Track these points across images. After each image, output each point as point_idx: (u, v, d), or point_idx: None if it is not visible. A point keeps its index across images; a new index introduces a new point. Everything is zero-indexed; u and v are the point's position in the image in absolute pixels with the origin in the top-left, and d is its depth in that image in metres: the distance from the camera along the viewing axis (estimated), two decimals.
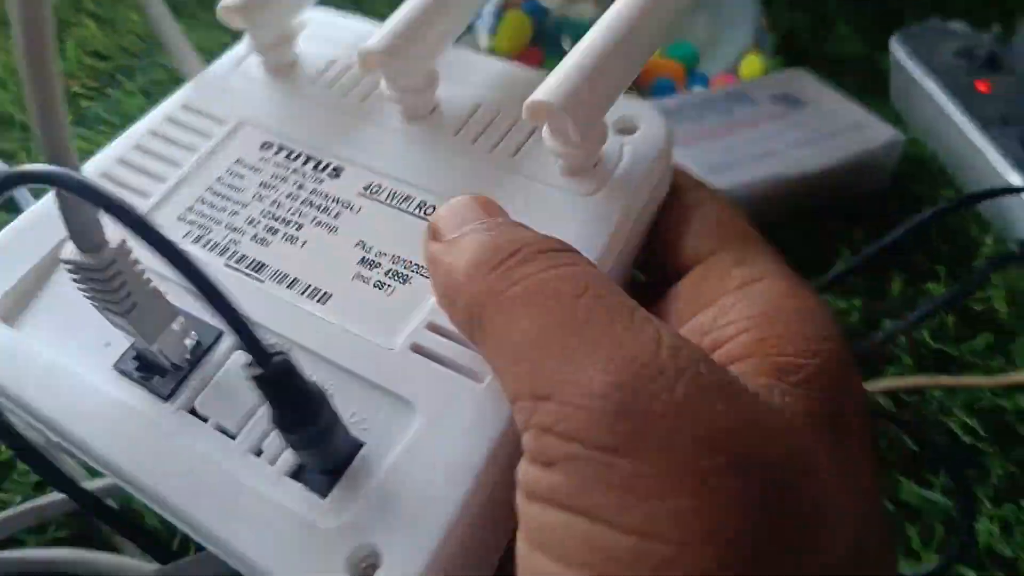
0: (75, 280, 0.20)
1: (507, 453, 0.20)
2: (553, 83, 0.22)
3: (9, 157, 0.44)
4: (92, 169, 0.27)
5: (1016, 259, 0.37)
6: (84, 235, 0.19)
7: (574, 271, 0.18)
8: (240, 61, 0.30)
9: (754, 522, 0.15)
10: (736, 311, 0.20)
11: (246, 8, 0.27)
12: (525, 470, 0.17)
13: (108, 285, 0.20)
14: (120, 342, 0.23)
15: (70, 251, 0.20)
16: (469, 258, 0.19)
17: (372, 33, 0.27)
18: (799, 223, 0.45)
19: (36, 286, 0.24)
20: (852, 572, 0.16)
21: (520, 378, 0.17)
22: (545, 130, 0.24)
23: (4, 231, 0.25)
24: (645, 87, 0.51)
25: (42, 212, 0.26)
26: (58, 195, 0.18)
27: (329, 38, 0.30)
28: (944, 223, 0.45)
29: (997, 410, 0.37)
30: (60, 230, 0.22)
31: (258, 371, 0.18)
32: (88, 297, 0.20)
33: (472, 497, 0.19)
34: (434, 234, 0.21)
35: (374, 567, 0.19)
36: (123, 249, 0.20)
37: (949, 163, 0.50)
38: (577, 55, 0.23)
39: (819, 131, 0.46)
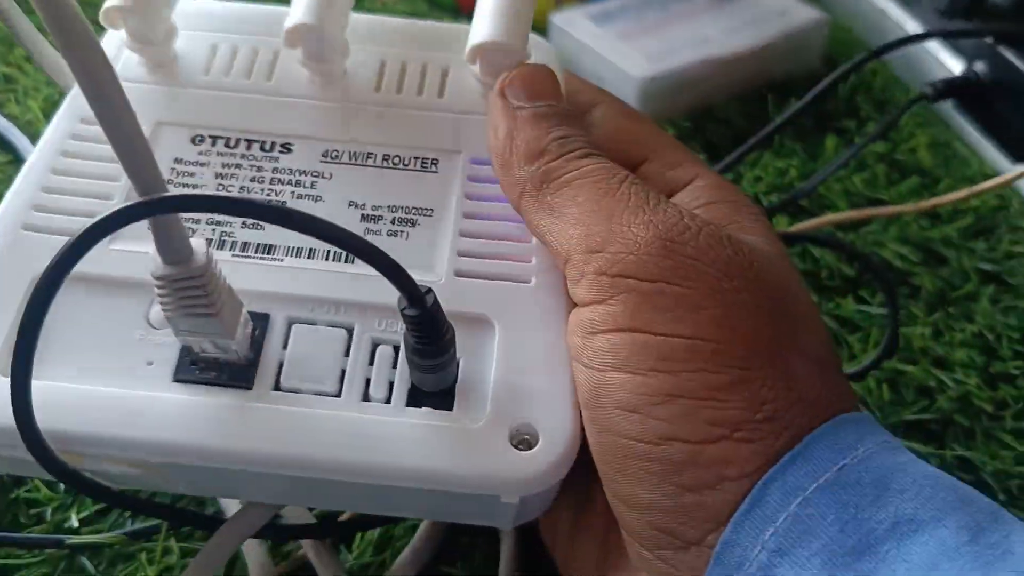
0: (163, 296, 0.20)
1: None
2: (488, 25, 0.26)
3: None
4: (13, 196, 0.25)
5: (924, 98, 0.41)
6: (178, 249, 0.20)
7: (613, 167, 0.24)
8: (114, 62, 0.28)
9: (762, 321, 0.21)
10: (687, 207, 0.25)
11: (131, 8, 0.26)
12: (583, 314, 0.22)
13: (204, 290, 0.20)
14: (163, 357, 0.23)
15: (162, 268, 0.20)
16: (531, 141, 0.24)
17: (233, 9, 0.29)
18: (739, 103, 0.48)
19: None
20: (827, 354, 0.22)
21: (576, 238, 0.22)
22: (477, 67, 0.27)
23: None
24: None
25: None
26: (155, 219, 0.19)
27: (198, 24, 0.30)
28: (870, 91, 0.49)
29: (925, 239, 0.41)
30: (24, 266, 0.23)
31: (416, 311, 0.20)
32: (172, 310, 0.20)
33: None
34: (503, 92, 0.25)
35: (534, 439, 0.22)
36: (210, 252, 0.20)
37: (874, 42, 0.53)
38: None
39: (750, 18, 0.50)
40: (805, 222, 0.40)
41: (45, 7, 0.16)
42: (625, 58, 0.46)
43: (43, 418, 0.20)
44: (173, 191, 0.22)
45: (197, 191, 0.25)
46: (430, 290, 0.20)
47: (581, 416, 0.22)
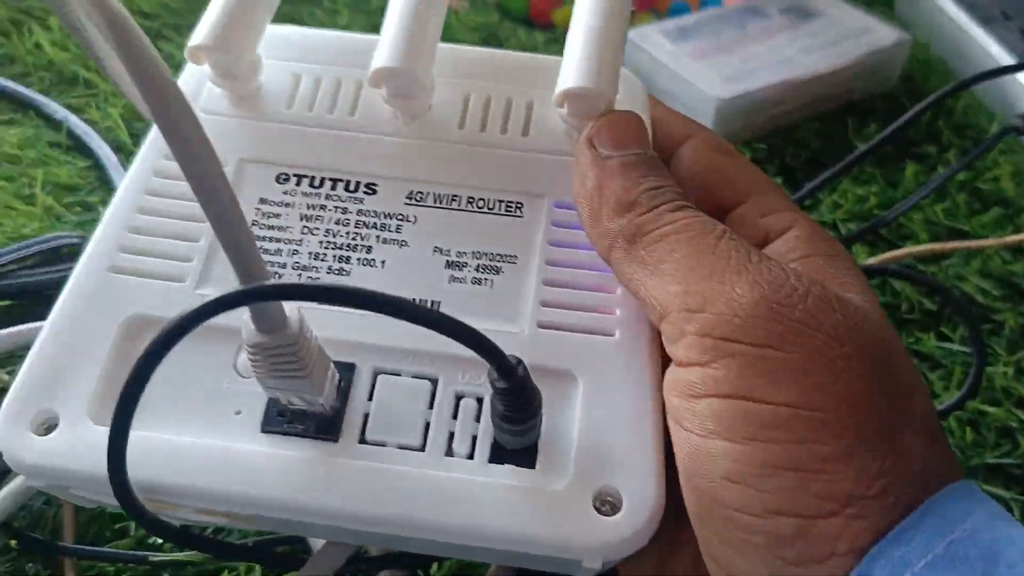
0: (255, 361, 0.20)
1: (659, 381, 0.23)
2: (578, 70, 0.25)
3: (78, 111, 0.48)
4: (100, 238, 0.25)
5: (1014, 130, 0.40)
6: (273, 319, 0.20)
7: (709, 220, 0.23)
8: (195, 97, 0.28)
9: (873, 389, 0.20)
10: (782, 259, 0.24)
11: (217, 47, 0.26)
12: (683, 375, 0.22)
13: (296, 356, 0.20)
14: (251, 407, 0.23)
15: (255, 336, 0.20)
16: (621, 193, 0.24)
17: (316, 37, 0.29)
18: (816, 124, 0.48)
19: (115, 380, 0.23)
20: (933, 423, 0.21)
21: (674, 295, 0.22)
22: (564, 110, 0.26)
23: (45, 334, 0.24)
24: (662, 11, 0.53)
25: (74, 308, 0.24)
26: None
27: (281, 54, 0.29)
28: (952, 116, 0.48)
29: (1008, 273, 0.40)
30: (113, 311, 0.23)
31: (507, 383, 0.20)
32: (263, 373, 0.21)
33: (660, 417, 0.23)
34: (591, 142, 0.25)
35: (618, 503, 0.22)
36: (303, 319, 0.20)
37: (954, 63, 0.52)
38: (581, 37, 0.26)
39: (830, 37, 0.49)
40: (885, 253, 0.39)
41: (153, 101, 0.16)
42: (701, 77, 0.46)
43: (133, 468, 0.20)
44: (277, 277, 0.23)
45: (302, 280, 0.25)
46: (520, 361, 0.20)
47: (665, 480, 0.22)
